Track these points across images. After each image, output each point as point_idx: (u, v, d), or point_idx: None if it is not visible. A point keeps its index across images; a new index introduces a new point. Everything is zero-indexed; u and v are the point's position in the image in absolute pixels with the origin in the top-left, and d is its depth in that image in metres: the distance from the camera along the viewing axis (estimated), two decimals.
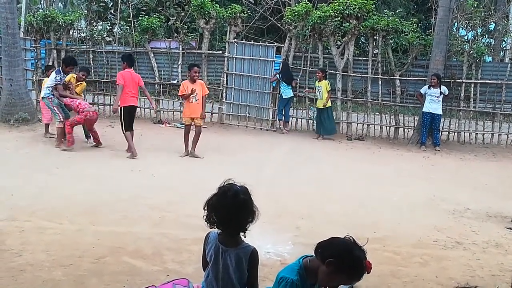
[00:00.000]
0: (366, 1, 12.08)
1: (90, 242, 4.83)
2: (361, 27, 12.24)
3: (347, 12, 12.16)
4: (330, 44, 12.62)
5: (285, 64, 12.52)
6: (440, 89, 11.15)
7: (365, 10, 12.12)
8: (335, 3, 12.43)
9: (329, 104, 11.88)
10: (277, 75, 12.45)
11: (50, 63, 13.64)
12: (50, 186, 6.75)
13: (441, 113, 11.38)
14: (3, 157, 8.39)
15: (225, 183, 2.60)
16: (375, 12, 12.48)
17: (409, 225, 5.95)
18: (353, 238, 2.39)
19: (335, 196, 7.11)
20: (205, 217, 2.58)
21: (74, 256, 4.47)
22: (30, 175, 7.27)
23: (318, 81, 11.86)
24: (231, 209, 2.51)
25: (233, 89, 13.08)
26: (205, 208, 2.58)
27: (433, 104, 11.18)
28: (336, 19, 12.20)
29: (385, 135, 12.33)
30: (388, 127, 12.58)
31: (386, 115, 12.58)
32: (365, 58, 12.84)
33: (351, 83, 12.66)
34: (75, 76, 9.98)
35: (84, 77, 10.19)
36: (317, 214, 6.19)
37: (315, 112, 12.32)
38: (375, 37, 12.51)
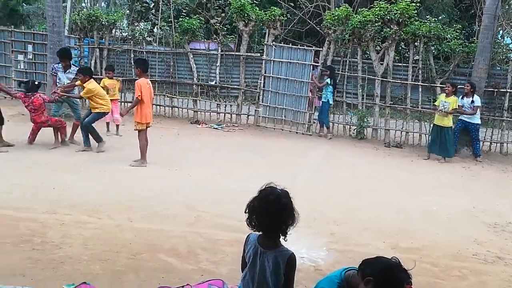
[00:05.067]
0: (408, 7, 11.88)
1: (127, 238, 4.92)
2: (402, 33, 12.04)
3: (388, 17, 11.98)
4: (369, 49, 12.47)
5: (333, 69, 12.38)
6: (472, 97, 10.69)
7: (406, 15, 11.92)
8: (376, 8, 12.28)
9: (451, 123, 10.67)
10: (327, 80, 12.24)
11: (93, 62, 14.01)
12: (91, 182, 6.91)
13: (479, 123, 10.99)
14: (46, 152, 8.62)
15: (266, 186, 2.59)
16: (416, 18, 12.25)
17: (448, 236, 5.80)
18: (398, 260, 2.33)
19: (371, 203, 7.00)
20: (246, 220, 2.58)
21: (112, 251, 4.56)
22: (72, 171, 7.46)
23: (446, 96, 10.42)
24: (272, 212, 2.51)
25: (270, 92, 13.08)
26: (247, 211, 2.58)
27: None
28: (376, 24, 12.05)
29: (424, 143, 12.05)
30: (427, 135, 12.31)
31: (425, 123, 12.31)
32: (405, 64, 12.61)
33: (390, 89, 12.47)
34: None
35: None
36: (352, 220, 6.12)
37: (432, 129, 11.07)
38: (416, 43, 12.29)
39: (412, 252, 5.15)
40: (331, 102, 12.30)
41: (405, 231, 5.85)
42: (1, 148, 8.28)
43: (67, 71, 9.47)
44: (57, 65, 9.61)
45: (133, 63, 13.19)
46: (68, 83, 9.36)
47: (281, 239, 2.64)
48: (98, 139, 8.89)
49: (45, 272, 4.02)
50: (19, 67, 14.12)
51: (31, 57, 14.05)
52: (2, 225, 4.99)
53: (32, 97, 8.65)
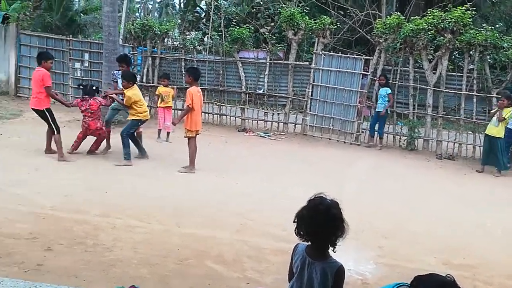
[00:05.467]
0: (463, 15, 11.53)
1: (175, 243, 5.00)
2: (457, 42, 11.68)
3: (442, 26, 11.66)
4: (422, 58, 12.18)
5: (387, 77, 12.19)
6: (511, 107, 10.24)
7: (461, 23, 11.56)
8: (429, 16, 11.99)
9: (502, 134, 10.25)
10: (388, 90, 11.85)
11: (145, 70, 14.40)
12: (142, 188, 7.09)
13: None
14: (98, 158, 8.87)
15: (316, 196, 2.57)
16: (472, 26, 11.86)
17: (504, 253, 5.56)
18: (453, 278, 2.24)
19: (422, 216, 6.81)
20: (295, 229, 2.57)
21: (160, 256, 4.65)
22: (123, 176, 7.67)
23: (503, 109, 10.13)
24: (321, 222, 2.48)
25: (318, 100, 13.00)
26: (295, 220, 2.57)
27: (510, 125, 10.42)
28: (429, 33, 11.76)
29: (478, 156, 11.61)
30: (481, 148, 11.84)
31: (480, 135, 11.85)
32: (459, 74, 12.24)
33: (442, 99, 12.12)
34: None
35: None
36: (402, 234, 5.97)
37: (484, 140, 10.75)
38: (471, 52, 11.90)
39: (465, 269, 4.96)
40: (388, 111, 12.07)
41: (458, 246, 5.65)
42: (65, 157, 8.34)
43: None
44: (117, 71, 9.75)
45: (184, 72, 13.47)
46: None
47: (330, 250, 2.60)
48: (127, 156, 8.40)
49: (96, 273, 4.15)
50: (76, 74, 14.70)
51: (87, 65, 14.60)
52: (59, 227, 5.20)
53: (90, 100, 8.69)
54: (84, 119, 8.75)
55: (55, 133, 8.33)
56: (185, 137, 8.29)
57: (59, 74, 14.86)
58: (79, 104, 8.80)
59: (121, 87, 9.38)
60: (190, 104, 8.00)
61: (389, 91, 11.89)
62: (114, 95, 8.98)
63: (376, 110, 12.18)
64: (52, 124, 8.33)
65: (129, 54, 12.14)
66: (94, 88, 9.28)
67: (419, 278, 2.27)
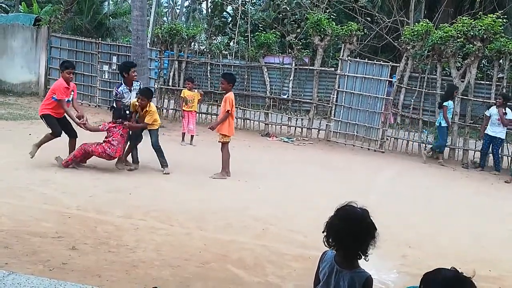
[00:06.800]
0: (493, 23, 11.33)
1: (197, 246, 5.03)
2: (486, 50, 11.48)
3: (472, 33, 11.47)
4: (450, 65, 12.00)
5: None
6: (505, 110, 10.52)
7: (492, 31, 11.36)
8: (459, 23, 11.82)
9: None
10: (450, 104, 11.28)
11: (171, 73, 14.55)
12: (164, 190, 7.16)
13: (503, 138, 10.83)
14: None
15: (345, 205, 2.55)
16: (503, 34, 11.64)
17: None
18: (455, 269, 2.15)
19: (447, 226, 6.69)
20: (324, 237, 2.55)
21: (182, 258, 4.68)
22: (147, 178, 7.76)
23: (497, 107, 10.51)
24: (345, 231, 2.46)
25: (342, 106, 12.94)
26: (325, 226, 2.55)
27: (493, 127, 10.65)
28: (458, 40, 11.59)
29: (505, 166, 11.36)
30: (510, 157, 11.59)
31: (508, 144, 11.61)
32: (488, 82, 12.02)
33: (470, 107, 11.91)
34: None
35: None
36: (426, 244, 5.88)
37: None
38: (500, 60, 11.67)
39: (491, 281, 4.84)
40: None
41: (483, 258, 5.54)
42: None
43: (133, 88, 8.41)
44: (122, 88, 8.34)
45: (211, 77, 13.57)
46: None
47: (358, 259, 2.56)
48: (165, 164, 8.19)
49: (119, 274, 4.19)
50: (104, 77, 14.96)
51: (115, 68, 14.83)
52: (83, 226, 5.28)
53: (121, 125, 7.90)
54: (112, 143, 7.74)
55: (52, 134, 7.89)
56: (221, 142, 8.19)
57: (88, 76, 15.17)
58: (110, 128, 7.87)
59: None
60: (229, 110, 7.99)
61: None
62: (134, 124, 8.17)
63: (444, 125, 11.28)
64: (51, 128, 7.92)
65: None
66: (127, 112, 8.35)
67: (425, 277, 2.19)
